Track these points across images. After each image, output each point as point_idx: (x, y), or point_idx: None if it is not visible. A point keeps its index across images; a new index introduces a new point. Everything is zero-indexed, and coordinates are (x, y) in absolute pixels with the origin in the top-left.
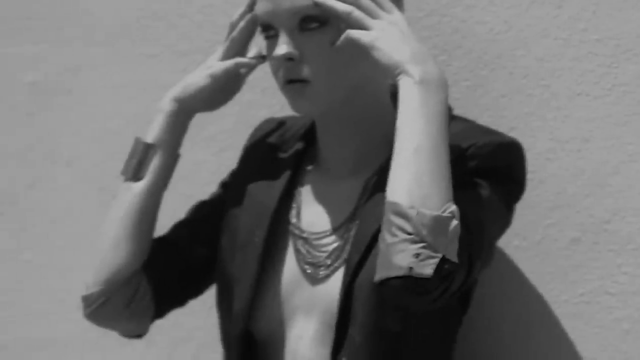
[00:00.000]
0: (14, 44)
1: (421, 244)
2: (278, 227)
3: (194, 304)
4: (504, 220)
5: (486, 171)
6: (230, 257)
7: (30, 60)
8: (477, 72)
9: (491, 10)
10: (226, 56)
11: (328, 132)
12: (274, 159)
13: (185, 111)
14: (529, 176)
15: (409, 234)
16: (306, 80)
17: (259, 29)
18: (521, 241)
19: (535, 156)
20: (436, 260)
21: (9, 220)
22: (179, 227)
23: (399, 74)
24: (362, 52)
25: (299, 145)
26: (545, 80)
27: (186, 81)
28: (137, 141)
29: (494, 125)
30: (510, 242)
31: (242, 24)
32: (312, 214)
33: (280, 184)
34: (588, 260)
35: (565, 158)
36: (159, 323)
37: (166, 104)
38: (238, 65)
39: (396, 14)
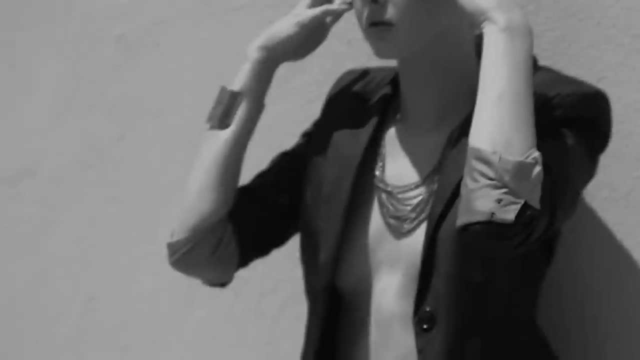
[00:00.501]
0: None
1: (503, 190)
2: (363, 179)
3: (279, 256)
4: (588, 171)
5: (571, 121)
6: (316, 209)
7: (117, 13)
8: (564, 22)
9: None
10: (314, 3)
11: (411, 81)
12: (358, 110)
13: (272, 60)
14: (617, 127)
15: (491, 179)
16: (390, 23)
17: None
18: (610, 193)
19: (624, 107)
20: (518, 206)
21: (97, 173)
22: (262, 177)
23: (484, 20)
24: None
25: (382, 96)
26: (634, 29)
27: (274, 29)
28: (223, 89)
29: (581, 77)
30: (598, 194)
31: None
32: (396, 167)
33: (364, 135)
34: None
35: None
36: (245, 275)
37: (253, 52)
38: (326, 13)
39: None
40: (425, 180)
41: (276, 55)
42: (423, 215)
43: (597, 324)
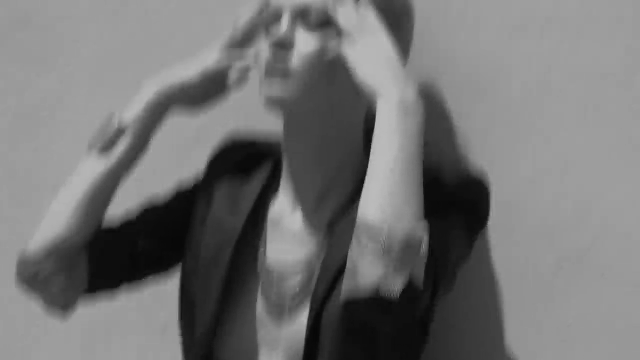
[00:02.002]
0: None
1: (390, 264)
2: (243, 255)
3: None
4: (466, 251)
5: (452, 202)
6: (193, 277)
7: (13, 87)
8: (459, 101)
9: (474, 39)
10: (222, 52)
11: (295, 155)
12: (239, 179)
13: (164, 104)
14: (513, 202)
15: (379, 251)
16: (288, 72)
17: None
18: (504, 267)
19: (517, 182)
20: (404, 280)
21: None
22: (129, 217)
23: (378, 95)
24: (349, 70)
25: (266, 168)
26: (529, 108)
27: (174, 71)
28: (110, 117)
29: (477, 154)
30: (493, 268)
31: (246, 17)
32: (278, 250)
33: (244, 209)
34: (570, 287)
35: (547, 184)
36: None
37: (148, 92)
38: (231, 61)
39: (385, 38)
40: (307, 261)
41: (171, 100)
42: (304, 297)
43: None
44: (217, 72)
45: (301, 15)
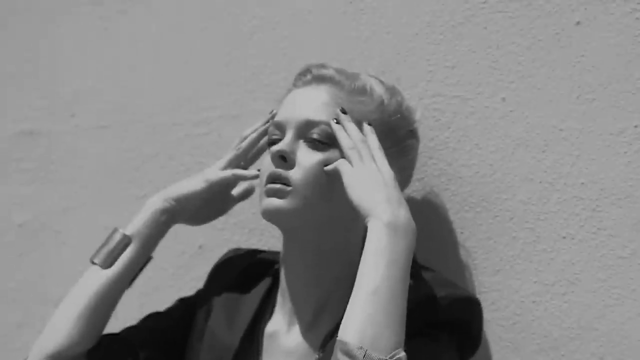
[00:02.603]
0: (3, 184)
1: None
2: None
3: None
4: None
5: (443, 324)
6: None
7: (19, 202)
8: (462, 214)
9: (477, 154)
10: (227, 167)
11: (293, 272)
12: (238, 294)
13: (171, 212)
14: (515, 319)
15: None
16: (289, 185)
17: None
18: None
19: (520, 299)
20: None
21: None
22: (130, 329)
23: (369, 215)
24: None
25: (263, 286)
26: (530, 223)
27: (181, 183)
28: (115, 230)
29: (479, 268)
30: None
31: (253, 135)
32: None
33: (241, 325)
34: None
35: (551, 301)
36: None
37: (155, 201)
38: (235, 176)
39: (385, 167)
40: None
41: (176, 210)
42: None
43: None
44: (221, 185)
45: (304, 132)
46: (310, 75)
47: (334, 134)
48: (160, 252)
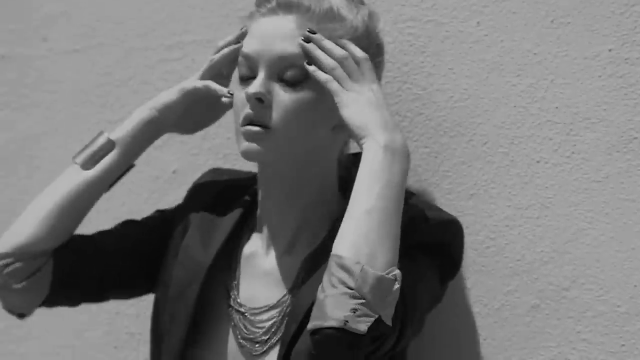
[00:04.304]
0: None
1: (360, 301)
2: (213, 286)
3: None
4: (437, 296)
5: (425, 245)
6: (163, 308)
7: None
8: (437, 139)
9: (451, 78)
10: (203, 78)
11: (271, 197)
12: (215, 213)
13: (156, 122)
14: (488, 243)
15: (350, 288)
16: (267, 127)
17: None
18: (481, 308)
19: (494, 223)
20: (372, 319)
21: None
22: (102, 234)
23: (365, 136)
24: (327, 116)
25: (240, 208)
26: (505, 147)
27: (162, 93)
28: (100, 134)
29: (453, 192)
30: (470, 308)
31: (225, 50)
32: (250, 288)
33: (216, 242)
34: (547, 328)
35: (525, 225)
36: None
37: (143, 110)
38: (207, 87)
39: (375, 84)
40: (278, 303)
41: (159, 119)
42: (275, 338)
43: None
44: (195, 94)
45: (277, 70)
46: (274, 1)
47: (311, 55)
48: (134, 176)
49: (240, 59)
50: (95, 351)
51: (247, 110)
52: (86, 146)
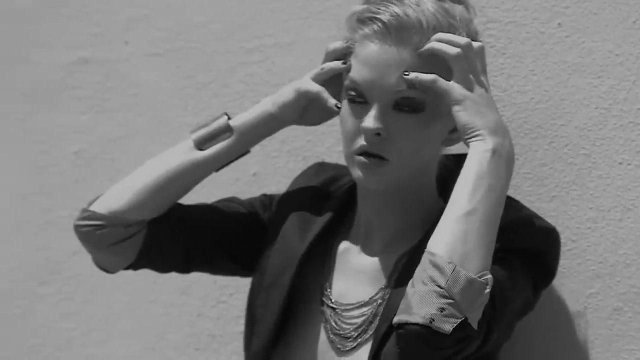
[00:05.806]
0: (59, 112)
1: (449, 300)
2: (307, 277)
3: None
4: (529, 303)
5: (523, 251)
6: (258, 291)
7: (75, 129)
8: (518, 140)
9: (532, 80)
10: (316, 80)
11: (370, 201)
12: (315, 206)
13: (277, 117)
14: (570, 245)
15: (440, 287)
16: (384, 158)
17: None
18: (563, 310)
19: (576, 225)
20: (458, 320)
21: (51, 289)
22: (202, 209)
23: (475, 136)
24: (441, 132)
25: (338, 205)
26: (586, 149)
27: (281, 91)
28: (222, 115)
29: (534, 194)
30: (552, 311)
31: (333, 65)
32: (343, 285)
33: (312, 234)
34: (630, 331)
35: (607, 227)
36: None
37: (267, 102)
38: (318, 95)
39: (488, 92)
40: (370, 301)
41: (280, 115)
42: (365, 335)
43: None
44: (306, 94)
45: (392, 103)
46: (382, 25)
47: (426, 100)
48: (214, 178)
49: (347, 82)
50: (177, 353)
51: (362, 141)
52: (205, 124)
